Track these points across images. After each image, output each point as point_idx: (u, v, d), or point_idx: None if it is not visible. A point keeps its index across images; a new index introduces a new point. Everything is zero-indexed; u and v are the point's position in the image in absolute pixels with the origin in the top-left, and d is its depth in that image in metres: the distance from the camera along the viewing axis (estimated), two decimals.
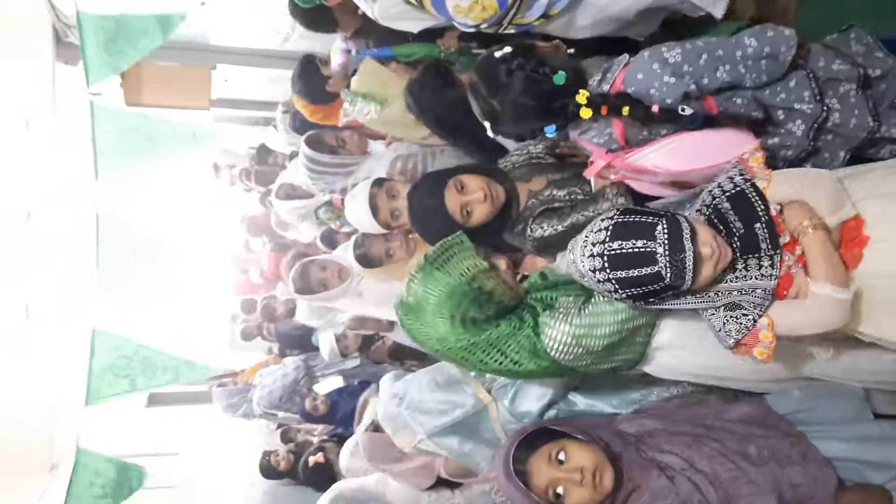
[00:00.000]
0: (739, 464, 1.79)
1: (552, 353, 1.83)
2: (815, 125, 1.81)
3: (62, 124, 4.70)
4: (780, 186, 1.69)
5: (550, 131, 1.91)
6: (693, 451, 1.82)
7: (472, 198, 2.17)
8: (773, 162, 1.84)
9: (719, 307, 1.66)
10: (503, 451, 1.83)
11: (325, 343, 4.98)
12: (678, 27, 2.54)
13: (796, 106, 1.81)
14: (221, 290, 9.14)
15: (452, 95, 2.57)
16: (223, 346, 8.33)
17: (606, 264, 1.57)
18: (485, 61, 1.98)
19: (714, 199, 1.69)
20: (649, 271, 1.54)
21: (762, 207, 1.64)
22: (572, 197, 2.18)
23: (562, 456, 1.74)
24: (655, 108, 1.76)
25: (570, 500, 1.68)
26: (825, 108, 1.81)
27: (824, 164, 1.87)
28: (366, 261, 3.09)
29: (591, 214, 2.05)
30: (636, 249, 1.54)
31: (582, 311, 1.82)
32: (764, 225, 1.63)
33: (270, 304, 6.31)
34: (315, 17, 3.39)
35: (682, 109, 1.74)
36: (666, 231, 1.53)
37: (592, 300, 1.85)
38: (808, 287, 1.62)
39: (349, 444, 3.15)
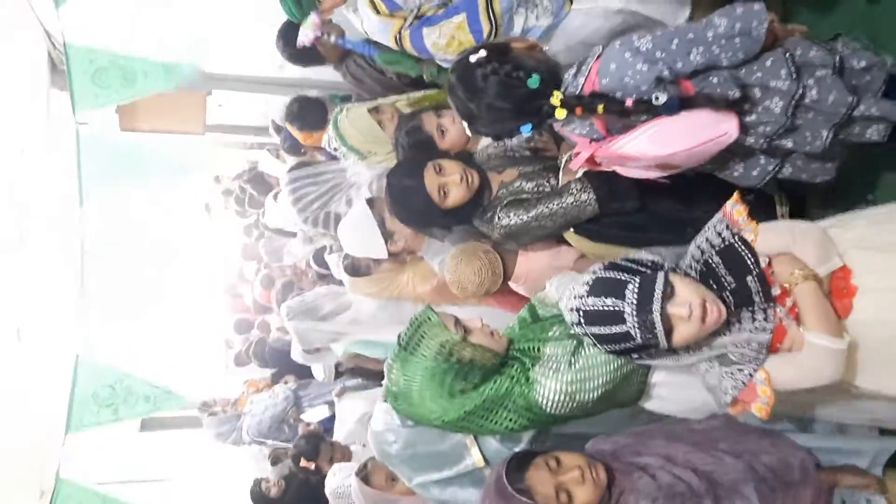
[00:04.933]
0: (715, 455, 1.81)
1: (547, 409, 1.82)
2: (793, 102, 1.79)
3: (56, 150, 4.72)
4: (768, 238, 1.69)
5: (526, 130, 1.94)
6: (669, 450, 1.85)
7: (450, 179, 2.26)
8: (751, 138, 1.84)
9: (713, 361, 1.66)
10: (492, 483, 1.79)
11: (319, 368, 4.98)
12: None
13: (772, 83, 1.79)
14: (214, 316, 9.11)
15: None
16: (218, 372, 8.27)
17: (582, 319, 1.62)
18: (460, 65, 1.98)
19: (703, 253, 1.70)
20: (619, 330, 1.57)
21: (752, 260, 1.65)
22: (539, 189, 2.25)
23: (556, 463, 1.74)
24: (629, 102, 1.75)
25: (579, 499, 1.68)
26: (802, 85, 1.79)
27: (806, 142, 1.85)
28: (353, 270, 3.15)
29: (556, 207, 2.14)
30: (606, 308, 1.58)
31: (572, 365, 1.81)
32: (755, 277, 1.64)
33: (263, 340, 6.33)
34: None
35: (656, 98, 1.72)
36: (636, 290, 1.56)
37: (582, 350, 1.83)
38: (801, 339, 1.62)
39: (334, 483, 3.13)
